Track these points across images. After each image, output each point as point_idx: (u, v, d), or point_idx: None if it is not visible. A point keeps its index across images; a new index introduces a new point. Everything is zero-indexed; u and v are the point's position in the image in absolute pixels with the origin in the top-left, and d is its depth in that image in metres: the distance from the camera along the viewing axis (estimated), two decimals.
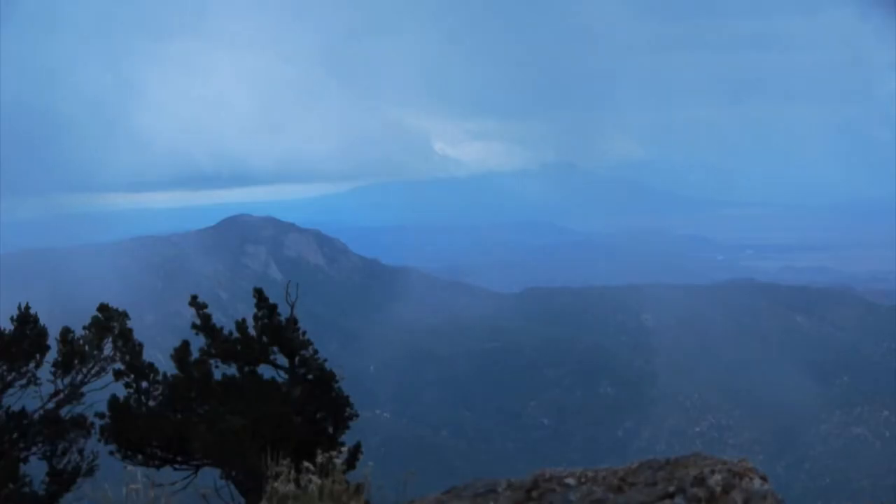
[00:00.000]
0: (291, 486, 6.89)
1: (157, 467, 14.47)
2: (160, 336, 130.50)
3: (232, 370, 14.92)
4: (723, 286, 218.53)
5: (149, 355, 15.22)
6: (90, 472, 14.94)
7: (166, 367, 15.18)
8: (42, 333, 14.94)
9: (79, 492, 14.65)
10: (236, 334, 14.87)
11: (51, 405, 15.02)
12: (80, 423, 15.00)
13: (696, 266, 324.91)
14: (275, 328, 14.77)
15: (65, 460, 14.88)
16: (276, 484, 6.94)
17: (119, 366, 14.88)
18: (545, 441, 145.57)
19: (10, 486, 14.02)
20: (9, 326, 14.88)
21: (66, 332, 15.10)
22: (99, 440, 14.70)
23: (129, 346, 14.90)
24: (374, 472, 7.30)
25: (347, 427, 14.95)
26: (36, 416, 14.85)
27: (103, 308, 15.29)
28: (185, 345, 14.69)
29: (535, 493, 5.86)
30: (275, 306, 14.95)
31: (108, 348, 15.09)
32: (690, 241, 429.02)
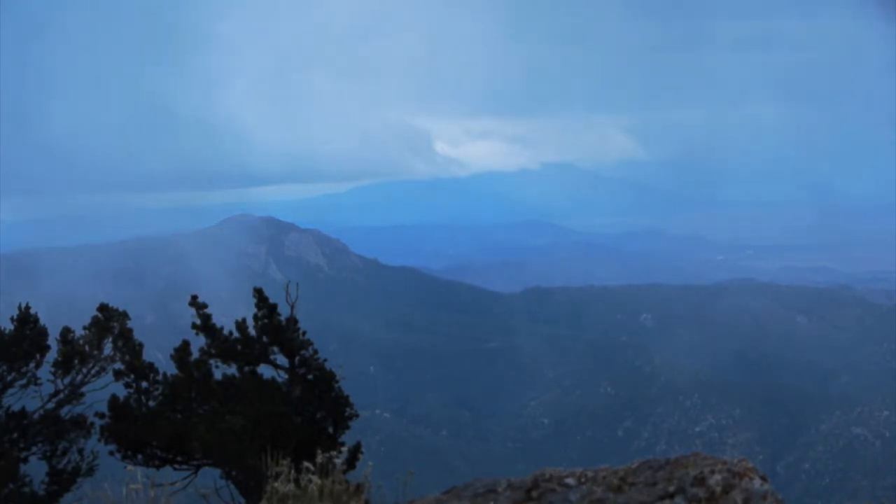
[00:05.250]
0: (291, 486, 6.90)
1: (157, 467, 14.46)
2: (160, 336, 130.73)
3: (232, 370, 14.91)
4: (723, 286, 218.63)
5: (149, 355, 15.22)
6: (90, 472, 14.94)
7: (166, 367, 15.17)
8: (42, 333, 14.93)
9: (79, 492, 14.65)
10: (236, 334, 14.86)
11: (51, 405, 15.02)
12: (80, 423, 15.00)
13: (696, 266, 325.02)
14: (275, 328, 14.76)
15: (65, 460, 14.88)
16: (276, 484, 6.94)
17: (119, 366, 14.87)
18: (545, 441, 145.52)
19: (10, 486, 14.02)
20: (9, 326, 14.88)
21: (66, 332, 15.10)
22: (99, 440, 14.69)
23: (129, 346, 14.89)
24: (374, 472, 7.31)
25: (347, 427, 14.94)
26: (36, 416, 14.85)
27: (103, 308, 15.29)
28: (185, 345, 14.67)
29: (535, 493, 5.86)
30: (275, 306, 14.93)
31: (108, 348, 15.08)
32: (690, 241, 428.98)
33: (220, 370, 14.90)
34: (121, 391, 14.82)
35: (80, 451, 14.95)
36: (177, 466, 14.75)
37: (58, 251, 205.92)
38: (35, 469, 14.68)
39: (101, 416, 14.76)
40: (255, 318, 14.86)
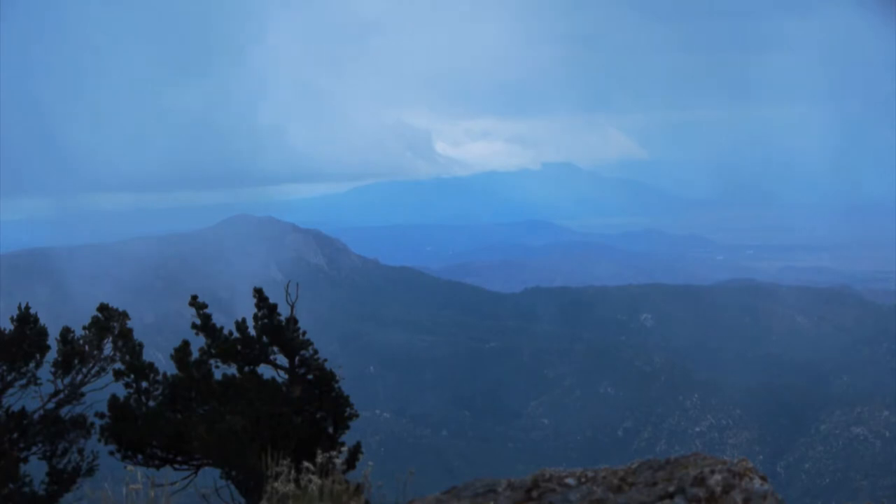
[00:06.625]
0: (291, 486, 6.90)
1: (157, 467, 14.47)
2: (160, 336, 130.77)
3: (232, 370, 14.91)
4: (723, 286, 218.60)
5: (149, 355, 15.22)
6: (90, 472, 14.94)
7: (166, 367, 15.18)
8: (42, 333, 14.93)
9: (79, 492, 14.65)
10: (236, 334, 14.87)
11: (51, 405, 15.02)
12: (80, 423, 15.00)
13: (696, 266, 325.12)
14: (275, 328, 14.76)
15: (65, 460, 14.88)
16: (276, 484, 6.95)
17: (119, 366, 14.88)
18: (545, 441, 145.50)
19: (10, 486, 14.02)
20: (9, 326, 14.88)
21: (66, 332, 15.10)
22: (99, 440, 14.70)
23: (129, 346, 14.89)
24: (374, 472, 7.31)
25: (347, 427, 14.95)
26: (36, 416, 14.85)
27: (103, 308, 15.29)
28: (185, 345, 14.68)
29: (535, 493, 5.87)
30: (275, 306, 14.94)
31: (108, 348, 15.09)
32: (690, 241, 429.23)
33: (220, 370, 14.90)
34: (121, 391, 14.82)
35: (80, 451, 14.95)
36: (177, 466, 14.75)
37: (58, 251, 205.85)
38: (35, 469, 14.68)
39: (101, 416, 14.76)
40: (255, 318, 14.86)
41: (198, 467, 14.82)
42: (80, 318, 15.49)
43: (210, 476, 14.30)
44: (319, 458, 7.16)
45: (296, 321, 14.88)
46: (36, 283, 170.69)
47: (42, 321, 15.12)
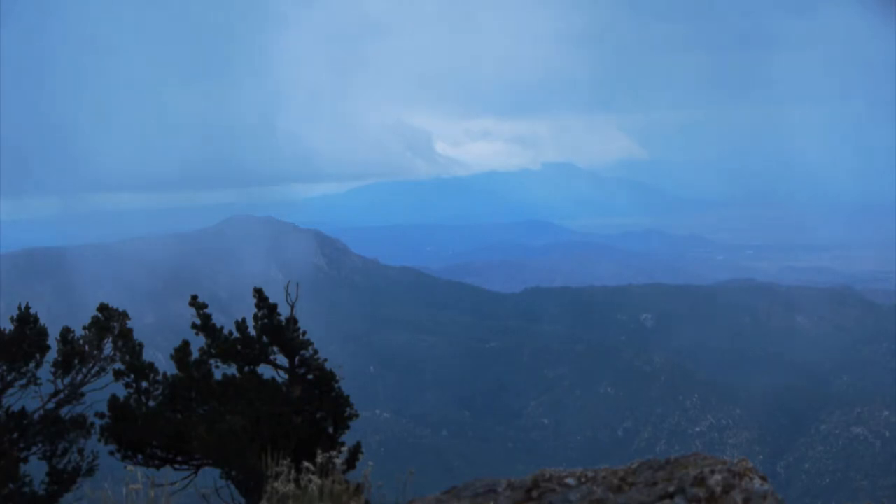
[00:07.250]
0: (291, 486, 6.90)
1: (157, 467, 14.47)
2: (160, 336, 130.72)
3: (232, 370, 14.91)
4: (723, 286, 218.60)
5: (149, 355, 15.22)
6: (90, 472, 14.94)
7: (166, 367, 15.18)
8: (42, 333, 14.93)
9: (79, 492, 14.65)
10: (236, 334, 14.86)
11: (51, 405, 15.02)
12: (80, 423, 14.99)
13: (696, 266, 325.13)
14: (275, 328, 14.76)
15: (65, 460, 14.87)
16: (276, 484, 6.94)
17: (119, 366, 14.87)
18: (545, 441, 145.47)
19: (10, 486, 14.02)
20: (9, 326, 14.88)
21: (66, 332, 15.10)
22: (99, 440, 14.70)
23: (129, 346, 14.89)
24: (374, 472, 7.31)
25: (347, 427, 14.95)
26: (36, 416, 14.85)
27: (103, 308, 15.29)
28: (185, 345, 14.67)
29: (535, 493, 5.87)
30: (275, 306, 14.94)
31: (108, 348, 15.09)
32: (690, 241, 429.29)
33: (220, 370, 14.90)
34: (121, 391, 14.82)
35: (80, 451, 14.95)
36: (177, 466, 14.75)
37: (59, 251, 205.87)
38: (35, 469, 14.68)
39: (101, 416, 14.76)
40: (255, 318, 14.86)
41: (198, 467, 14.82)
42: (80, 318, 15.49)
43: (210, 476, 14.30)
44: (319, 458, 7.16)
45: (296, 321, 14.88)
46: (37, 282, 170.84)
47: (42, 321, 15.12)
